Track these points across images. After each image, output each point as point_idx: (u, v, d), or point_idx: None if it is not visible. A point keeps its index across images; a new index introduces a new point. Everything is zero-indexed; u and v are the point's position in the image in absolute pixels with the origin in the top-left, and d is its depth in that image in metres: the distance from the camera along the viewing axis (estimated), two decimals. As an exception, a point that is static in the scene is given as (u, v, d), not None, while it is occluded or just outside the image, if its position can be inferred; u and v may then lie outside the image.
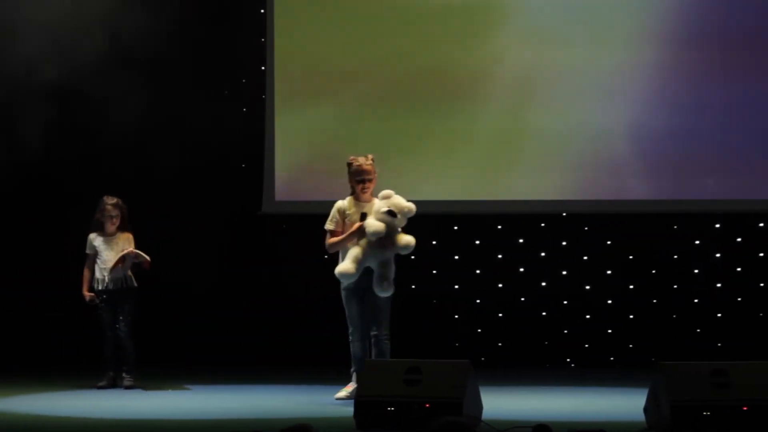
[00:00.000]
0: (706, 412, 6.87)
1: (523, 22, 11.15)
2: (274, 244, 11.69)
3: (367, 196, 8.91)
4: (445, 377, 7.25)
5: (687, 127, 11.04)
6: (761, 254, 11.34)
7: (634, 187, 11.09)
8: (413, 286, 11.19)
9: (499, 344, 11.52)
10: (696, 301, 11.40)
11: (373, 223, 8.71)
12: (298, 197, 11.40)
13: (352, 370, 8.91)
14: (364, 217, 8.80)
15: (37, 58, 10.49)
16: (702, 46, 11.05)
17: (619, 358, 11.41)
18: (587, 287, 11.47)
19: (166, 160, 11.18)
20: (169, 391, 9.60)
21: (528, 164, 11.15)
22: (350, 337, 8.90)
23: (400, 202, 8.77)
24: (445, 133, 11.25)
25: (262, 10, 11.55)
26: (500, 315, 11.56)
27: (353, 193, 8.95)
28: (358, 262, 8.72)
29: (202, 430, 7.50)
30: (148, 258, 9.68)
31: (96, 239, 9.82)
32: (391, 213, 8.70)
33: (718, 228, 11.33)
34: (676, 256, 11.38)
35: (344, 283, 8.84)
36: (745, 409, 6.88)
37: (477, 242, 11.57)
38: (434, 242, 11.29)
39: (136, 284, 9.80)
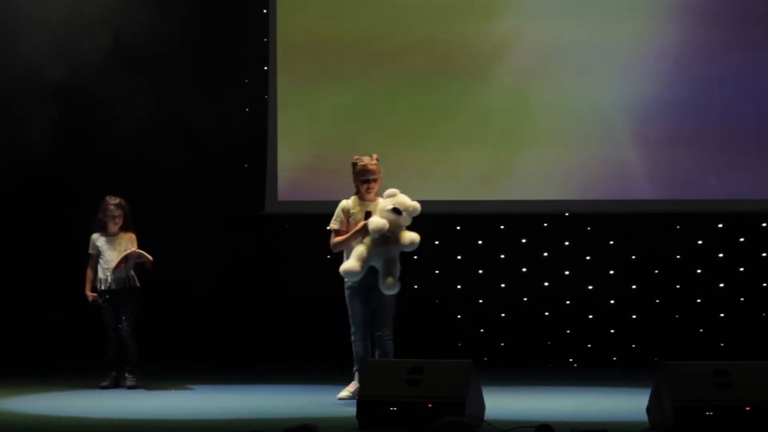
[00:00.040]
0: (709, 412, 6.87)
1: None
2: (277, 244, 11.69)
3: (371, 195, 8.91)
4: (447, 377, 7.24)
5: (688, 127, 11.04)
6: (764, 254, 11.34)
7: (637, 187, 11.09)
8: (416, 286, 11.19)
9: (502, 344, 11.51)
10: (699, 301, 11.39)
11: (376, 220, 8.71)
12: (301, 197, 11.39)
13: (354, 369, 8.91)
14: (368, 215, 8.81)
15: (40, 58, 10.50)
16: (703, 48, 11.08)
17: (621, 358, 11.40)
18: (590, 287, 11.47)
19: (169, 160, 11.18)
20: (172, 391, 9.60)
21: (530, 164, 11.14)
22: (352, 337, 8.89)
23: (406, 200, 8.78)
24: (446, 132, 11.25)
25: (265, 10, 11.55)
26: (503, 315, 11.56)
27: (358, 193, 8.96)
28: (363, 260, 8.72)
29: (204, 430, 7.50)
30: (150, 258, 9.68)
31: (99, 239, 9.82)
32: (396, 210, 8.70)
33: (720, 228, 11.32)
34: (678, 256, 11.37)
35: (349, 281, 8.84)
36: (747, 409, 6.87)
37: (479, 242, 11.57)
38: (437, 242, 11.29)
39: (138, 284, 9.80)
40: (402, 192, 8.83)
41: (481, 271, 11.55)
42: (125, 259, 9.69)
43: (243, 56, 11.63)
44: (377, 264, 8.75)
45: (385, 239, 8.71)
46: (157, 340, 10.71)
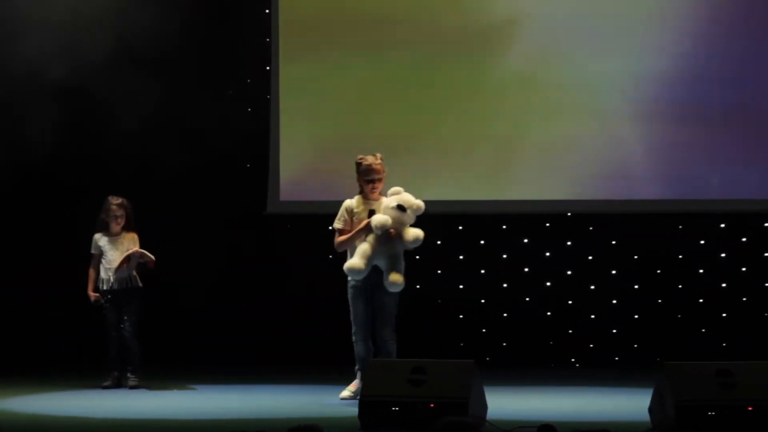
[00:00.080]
0: (711, 412, 6.86)
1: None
2: (279, 244, 11.68)
3: (375, 195, 8.89)
4: (449, 377, 7.24)
5: (691, 126, 11.02)
6: (766, 254, 11.32)
7: (639, 187, 11.08)
8: (418, 286, 11.17)
9: (504, 344, 11.51)
10: (701, 301, 11.38)
11: (378, 216, 8.70)
12: (303, 197, 11.38)
13: (356, 368, 8.89)
14: (371, 214, 8.79)
15: (40, 57, 10.49)
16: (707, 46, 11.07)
17: (623, 358, 11.39)
18: (592, 287, 11.46)
19: (171, 159, 11.17)
20: (174, 391, 9.59)
21: (532, 164, 11.13)
22: (354, 337, 8.87)
23: (410, 198, 8.77)
24: (448, 132, 11.24)
25: (267, 10, 11.55)
26: (505, 315, 11.55)
27: (362, 192, 8.94)
28: (367, 257, 8.71)
29: (205, 430, 7.49)
30: (153, 257, 9.67)
31: (101, 239, 9.81)
32: (400, 208, 8.69)
33: (722, 228, 11.31)
34: (681, 256, 11.36)
35: (352, 280, 8.82)
36: (749, 409, 6.87)
37: (482, 242, 11.56)
38: (439, 242, 11.27)
39: (141, 284, 9.80)
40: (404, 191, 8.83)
41: (483, 271, 11.54)
42: (127, 259, 9.68)
43: (244, 56, 11.63)
44: (381, 262, 8.72)
45: (389, 236, 8.70)
46: (158, 340, 10.69)
